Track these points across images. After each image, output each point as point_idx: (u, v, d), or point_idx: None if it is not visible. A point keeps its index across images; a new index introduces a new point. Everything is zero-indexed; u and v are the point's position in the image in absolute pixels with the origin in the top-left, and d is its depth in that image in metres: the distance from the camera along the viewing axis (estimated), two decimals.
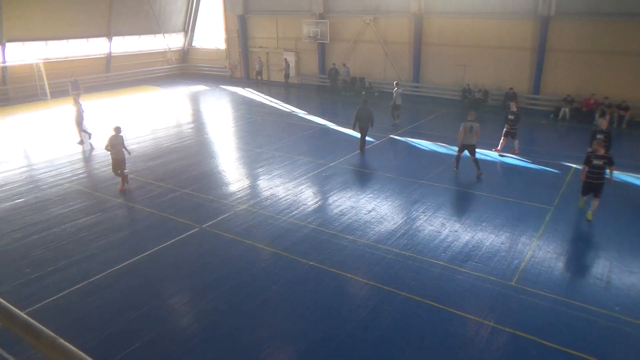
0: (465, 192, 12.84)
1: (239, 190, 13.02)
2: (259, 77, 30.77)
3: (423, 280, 8.58)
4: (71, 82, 23.60)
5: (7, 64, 25.65)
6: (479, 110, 22.30)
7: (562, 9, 20.81)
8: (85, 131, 17.65)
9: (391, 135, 18.34)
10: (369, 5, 25.99)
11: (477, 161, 13.80)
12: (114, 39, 30.83)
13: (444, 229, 10.57)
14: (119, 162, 12.86)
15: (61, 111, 23.12)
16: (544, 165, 14.87)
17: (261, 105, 24.76)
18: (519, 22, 21.99)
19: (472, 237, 10.18)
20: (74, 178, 14.20)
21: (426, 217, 11.15)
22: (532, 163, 15.13)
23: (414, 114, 22.45)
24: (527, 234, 10.34)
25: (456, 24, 23.64)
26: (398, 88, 19.75)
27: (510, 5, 22.03)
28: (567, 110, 21.05)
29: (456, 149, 16.43)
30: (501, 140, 15.93)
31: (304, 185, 13.27)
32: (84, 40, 29.43)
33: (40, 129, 20.39)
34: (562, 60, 21.35)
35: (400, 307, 7.83)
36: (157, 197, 12.59)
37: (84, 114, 17.61)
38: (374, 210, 11.57)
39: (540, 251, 9.60)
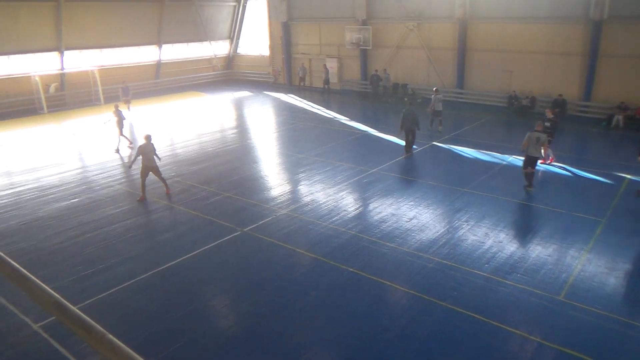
0: (511, 201, 12.43)
1: (280, 195, 13.14)
2: (302, 83, 31.05)
3: (465, 291, 8.35)
4: (122, 88, 24.60)
5: (65, 70, 27.05)
6: (525, 117, 21.62)
7: (616, 12, 19.91)
8: (124, 136, 18.03)
9: (434, 142, 18.05)
10: (413, 11, 25.76)
11: (533, 175, 12.93)
12: (164, 46, 31.94)
13: (487, 239, 10.27)
14: (152, 170, 12.76)
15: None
16: (596, 175, 14.21)
17: (303, 111, 24.96)
18: (568, 26, 21.20)
19: (518, 248, 9.83)
20: (124, 180, 14.75)
21: (469, 227, 10.88)
22: (583, 173, 14.49)
23: (457, 120, 22.02)
24: (577, 246, 9.89)
25: (502, 29, 23.06)
26: (437, 94, 19.45)
27: (560, 10, 21.29)
28: (620, 117, 20.08)
29: (502, 157, 16.02)
30: (542, 151, 15.27)
31: (345, 192, 13.24)
32: (135, 48, 30.65)
33: (94, 132, 21.31)
34: (616, 66, 20.40)
35: (441, 318, 7.65)
36: (201, 200, 12.89)
37: (125, 121, 17.98)
38: (415, 218, 11.40)
39: (591, 265, 9.16)
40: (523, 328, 7.35)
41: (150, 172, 12.86)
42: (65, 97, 27.38)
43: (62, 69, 27.02)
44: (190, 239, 10.64)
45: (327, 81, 29.40)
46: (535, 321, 7.54)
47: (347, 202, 12.48)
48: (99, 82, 27.04)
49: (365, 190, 13.37)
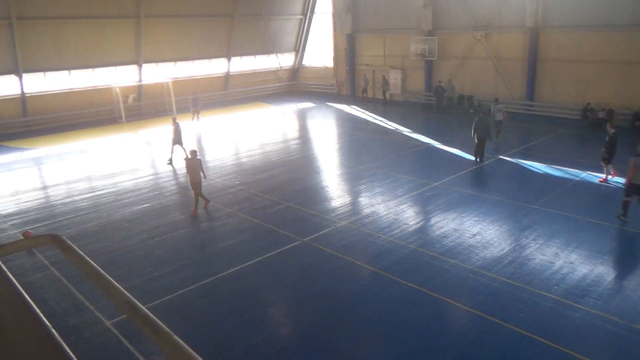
0: (584, 220, 11.67)
1: (340, 206, 13.18)
2: (365, 95, 31.10)
3: (532, 313, 7.93)
4: (192, 99, 25.76)
5: (142, 82, 28.83)
6: (601, 131, 20.33)
7: None
8: (184, 149, 17.97)
9: (500, 156, 17.39)
10: (481, 21, 25.11)
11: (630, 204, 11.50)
12: (232, 59, 33.21)
13: (557, 259, 9.72)
14: (195, 185, 12.96)
15: (184, 126, 25.28)
16: None
17: (365, 122, 24.97)
18: None
19: (591, 271, 9.22)
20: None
21: (537, 245, 10.35)
22: None
23: (526, 133, 21.10)
24: None
25: (577, 38, 21.90)
26: (497, 104, 19.01)
27: None
28: None
29: (575, 172, 15.16)
30: (604, 168, 14.30)
31: (406, 205, 13.05)
32: (206, 61, 32.10)
33: (165, 141, 22.44)
34: None
35: (506, 340, 7.31)
36: (264, 208, 13.20)
37: (182, 134, 18.16)
38: (479, 234, 11.01)
39: None
40: (595, 356, 6.86)
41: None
42: (141, 107, 29.13)
43: (140, 81, 28.82)
44: (252, 246, 10.91)
45: (385, 92, 29.44)
46: (610, 350, 7.02)
47: (408, 215, 12.29)
48: (172, 93, 28.53)
49: (427, 203, 13.12)
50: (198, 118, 25.56)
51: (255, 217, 12.60)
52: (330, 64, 34.53)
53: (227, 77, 33.47)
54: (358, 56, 32.00)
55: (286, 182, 15.43)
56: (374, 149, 19.50)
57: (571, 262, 9.58)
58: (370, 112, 27.63)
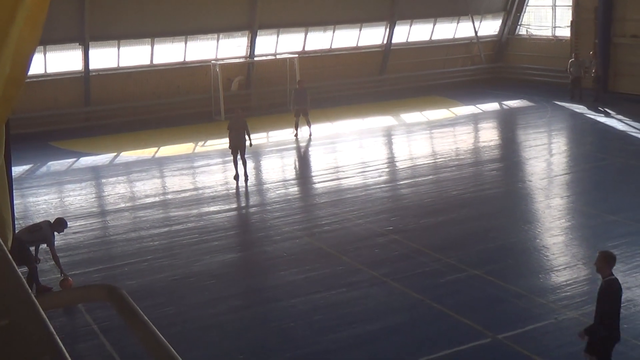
0: None
1: (566, 284, 12.68)
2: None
3: None
4: (294, 91, 26.04)
5: (255, 58, 30.82)
6: None
7: None
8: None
9: None
10: None
11: None
12: (398, 25, 34.12)
13: None
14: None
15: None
16: None
17: (624, 138, 23.93)
18: None
19: None
20: (317, 230, 15.99)
21: None
22: None
23: None
24: None
25: None
26: None
27: None
28: None
29: None
30: None
31: None
32: (355, 28, 33.30)
33: (277, 155, 23.60)
34: None
35: None
36: (431, 276, 13.17)
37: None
38: None
39: None
40: None
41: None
42: (250, 98, 31.23)
43: (251, 55, 30.95)
44: (409, 339, 10.96)
45: (598, 80, 29.48)
46: None
47: None
48: (298, 77, 29.59)
49: None
50: (308, 123, 25.47)
51: (416, 289, 12.61)
52: (565, 33, 33.91)
53: (387, 54, 34.41)
54: (617, 20, 30.88)
55: (473, 235, 15.31)
56: (637, 187, 18.49)
57: None
58: (638, 120, 26.22)
